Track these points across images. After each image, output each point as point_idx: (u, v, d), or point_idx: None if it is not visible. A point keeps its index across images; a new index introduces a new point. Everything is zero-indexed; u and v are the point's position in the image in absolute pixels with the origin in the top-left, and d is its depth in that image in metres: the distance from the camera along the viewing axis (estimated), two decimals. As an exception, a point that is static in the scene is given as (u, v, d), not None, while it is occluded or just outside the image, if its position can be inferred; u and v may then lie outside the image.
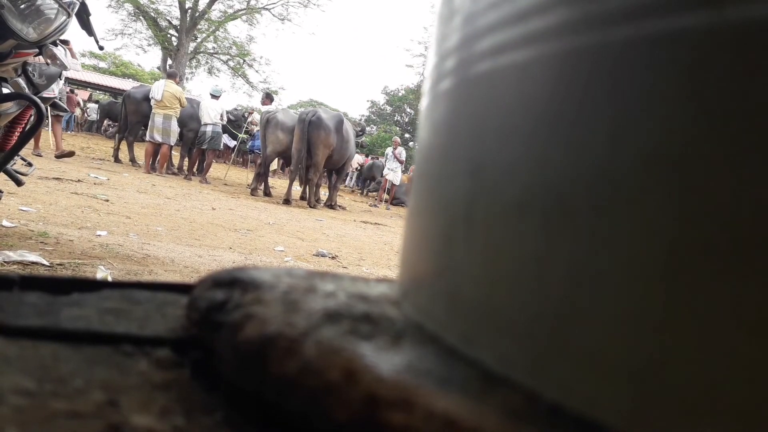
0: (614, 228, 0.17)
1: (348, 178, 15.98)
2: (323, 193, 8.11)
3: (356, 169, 15.17)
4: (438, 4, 0.29)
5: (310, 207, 6.74)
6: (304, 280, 0.28)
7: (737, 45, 0.14)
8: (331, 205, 7.46)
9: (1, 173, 1.90)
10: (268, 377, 0.20)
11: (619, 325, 0.16)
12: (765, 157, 0.14)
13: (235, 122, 9.15)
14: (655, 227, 0.16)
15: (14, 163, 2.07)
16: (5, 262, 1.71)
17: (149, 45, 20.01)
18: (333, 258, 3.16)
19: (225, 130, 8.59)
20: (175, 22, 18.71)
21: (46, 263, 1.82)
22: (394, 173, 10.57)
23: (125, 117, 7.93)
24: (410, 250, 0.28)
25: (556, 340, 0.18)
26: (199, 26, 19.19)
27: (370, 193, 14.01)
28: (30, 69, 1.80)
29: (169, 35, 18.76)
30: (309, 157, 6.56)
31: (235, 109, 9.96)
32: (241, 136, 9.02)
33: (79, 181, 4.51)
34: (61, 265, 1.85)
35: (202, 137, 7.58)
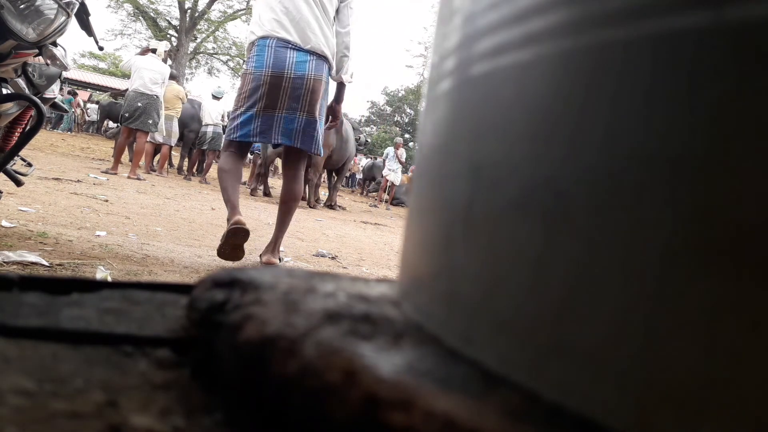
0: (614, 228, 0.17)
1: (350, 180, 16.00)
2: (323, 194, 8.12)
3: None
4: (438, 4, 0.29)
5: (310, 207, 6.74)
6: (304, 280, 0.28)
7: (736, 45, 0.14)
8: (330, 205, 7.46)
9: (1, 173, 1.90)
10: (268, 378, 0.20)
11: (618, 324, 0.16)
12: (764, 157, 0.14)
13: None
14: (654, 227, 0.16)
15: (14, 164, 2.07)
16: (5, 262, 1.71)
17: (149, 45, 20.03)
18: (333, 258, 3.16)
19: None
20: (175, 23, 18.73)
21: (46, 263, 1.82)
22: (394, 173, 10.57)
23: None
24: (410, 251, 0.28)
25: (555, 340, 0.18)
26: (198, 26, 19.20)
27: (370, 194, 14.02)
28: (30, 69, 1.80)
29: (168, 35, 18.77)
30: (308, 157, 6.55)
31: None
32: None
33: (78, 181, 4.51)
34: (60, 265, 1.85)
35: (203, 138, 7.58)
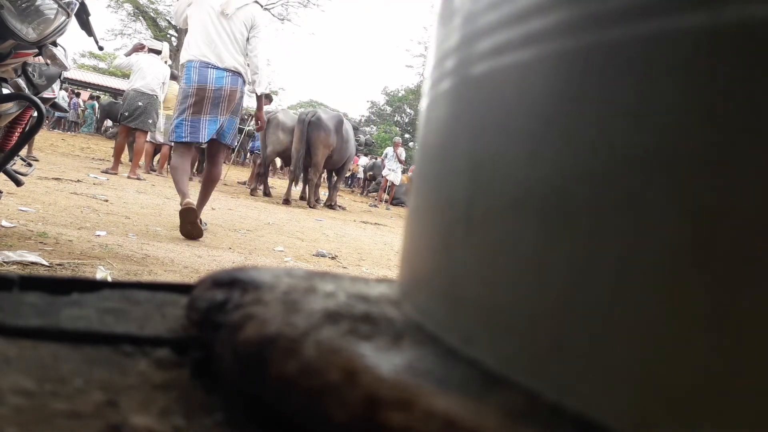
0: (613, 227, 0.17)
1: (352, 181, 15.98)
2: (323, 193, 8.12)
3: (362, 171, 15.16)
4: (438, 4, 0.29)
5: (310, 207, 6.74)
6: (304, 280, 0.28)
7: (736, 45, 0.14)
8: (330, 205, 7.46)
9: (1, 173, 1.90)
10: (268, 378, 0.20)
11: (618, 324, 0.16)
12: (764, 157, 0.14)
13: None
14: (654, 227, 0.16)
15: (14, 164, 2.07)
16: (5, 262, 1.71)
17: (149, 45, 20.07)
18: (333, 258, 3.16)
19: None
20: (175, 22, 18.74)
21: (46, 263, 1.82)
22: (394, 173, 10.57)
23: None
24: (410, 250, 0.28)
25: (555, 340, 0.18)
26: (198, 26, 19.18)
27: (370, 194, 14.01)
28: (30, 69, 1.80)
29: (168, 35, 18.78)
30: (308, 157, 6.56)
31: None
32: (247, 128, 9.07)
33: (78, 181, 4.51)
34: (60, 265, 1.85)
35: None
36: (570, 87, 0.18)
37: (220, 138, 3.02)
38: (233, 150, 11.07)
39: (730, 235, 0.14)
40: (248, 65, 3.03)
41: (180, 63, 2.97)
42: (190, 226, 2.85)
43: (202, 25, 2.90)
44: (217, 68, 2.90)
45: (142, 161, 6.64)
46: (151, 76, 5.88)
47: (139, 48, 6.07)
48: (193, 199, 2.92)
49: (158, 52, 6.16)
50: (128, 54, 6.03)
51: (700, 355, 0.15)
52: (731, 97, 0.14)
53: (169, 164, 8.16)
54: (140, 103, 5.84)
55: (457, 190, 0.23)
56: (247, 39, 3.00)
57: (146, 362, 0.24)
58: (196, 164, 8.10)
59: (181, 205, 2.90)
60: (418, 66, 28.12)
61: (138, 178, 5.75)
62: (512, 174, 0.20)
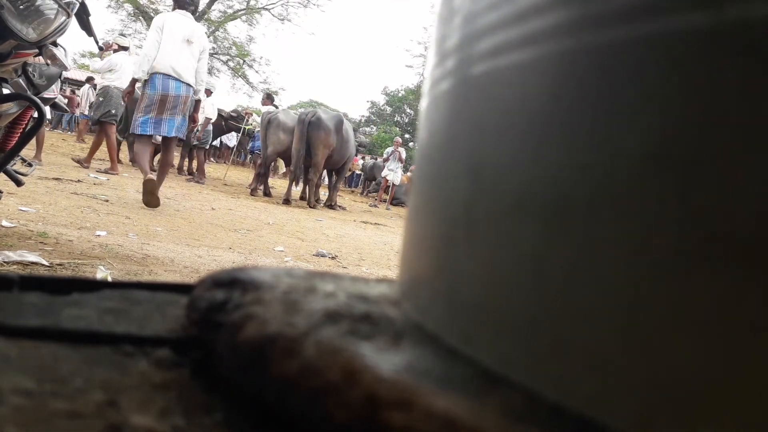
0: (613, 227, 0.17)
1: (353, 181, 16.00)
2: (323, 193, 8.12)
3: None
4: (438, 4, 0.29)
5: (310, 207, 6.74)
6: (304, 280, 0.28)
7: (735, 45, 0.14)
8: (331, 205, 7.46)
9: (1, 173, 1.90)
10: (268, 377, 0.20)
11: (618, 324, 0.16)
12: (763, 158, 0.14)
13: (237, 118, 9.23)
14: (654, 227, 0.16)
15: (14, 164, 2.07)
16: (5, 262, 1.71)
17: (149, 45, 20.07)
18: (333, 258, 3.16)
19: (230, 127, 8.73)
20: (175, 23, 18.73)
21: (46, 263, 1.82)
22: (394, 173, 10.57)
23: (126, 117, 7.96)
24: (410, 250, 0.28)
25: (555, 340, 0.18)
26: (198, 26, 19.23)
27: (370, 194, 14.00)
28: (30, 69, 1.80)
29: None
30: (309, 157, 6.56)
31: (234, 111, 10.06)
32: (247, 127, 9.10)
33: (78, 181, 4.51)
34: (60, 265, 1.85)
35: (206, 136, 7.60)
36: (570, 87, 0.18)
37: (176, 132, 4.00)
38: (233, 150, 11.10)
39: (731, 235, 0.14)
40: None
41: (145, 76, 3.90)
42: (150, 195, 3.72)
43: (171, 48, 3.90)
44: (177, 80, 3.92)
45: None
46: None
47: (107, 47, 6.14)
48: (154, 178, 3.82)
49: (126, 49, 6.26)
50: (101, 55, 6.11)
51: (701, 355, 0.15)
52: (731, 97, 0.14)
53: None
54: (122, 102, 5.96)
55: (457, 191, 0.23)
56: (198, 59, 4.13)
57: (146, 362, 0.24)
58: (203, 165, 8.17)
59: (143, 180, 3.78)
60: (418, 66, 28.09)
61: (112, 173, 5.81)
62: (512, 174, 0.20)
